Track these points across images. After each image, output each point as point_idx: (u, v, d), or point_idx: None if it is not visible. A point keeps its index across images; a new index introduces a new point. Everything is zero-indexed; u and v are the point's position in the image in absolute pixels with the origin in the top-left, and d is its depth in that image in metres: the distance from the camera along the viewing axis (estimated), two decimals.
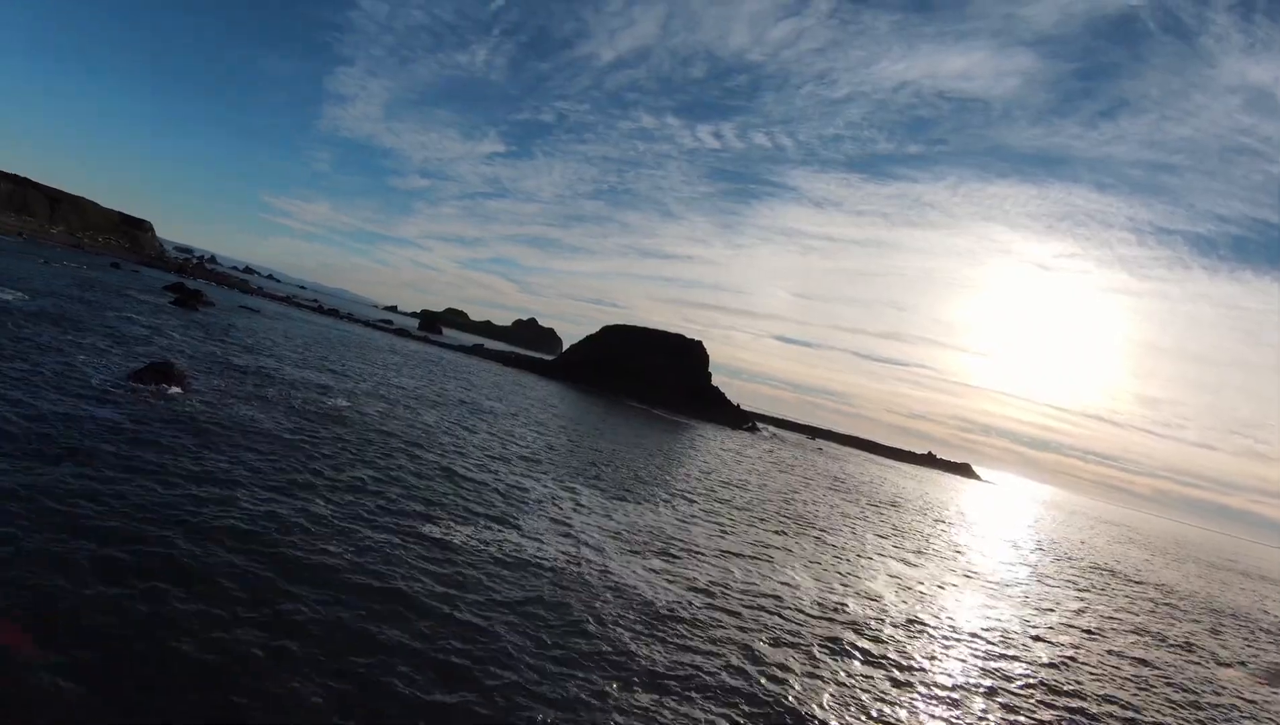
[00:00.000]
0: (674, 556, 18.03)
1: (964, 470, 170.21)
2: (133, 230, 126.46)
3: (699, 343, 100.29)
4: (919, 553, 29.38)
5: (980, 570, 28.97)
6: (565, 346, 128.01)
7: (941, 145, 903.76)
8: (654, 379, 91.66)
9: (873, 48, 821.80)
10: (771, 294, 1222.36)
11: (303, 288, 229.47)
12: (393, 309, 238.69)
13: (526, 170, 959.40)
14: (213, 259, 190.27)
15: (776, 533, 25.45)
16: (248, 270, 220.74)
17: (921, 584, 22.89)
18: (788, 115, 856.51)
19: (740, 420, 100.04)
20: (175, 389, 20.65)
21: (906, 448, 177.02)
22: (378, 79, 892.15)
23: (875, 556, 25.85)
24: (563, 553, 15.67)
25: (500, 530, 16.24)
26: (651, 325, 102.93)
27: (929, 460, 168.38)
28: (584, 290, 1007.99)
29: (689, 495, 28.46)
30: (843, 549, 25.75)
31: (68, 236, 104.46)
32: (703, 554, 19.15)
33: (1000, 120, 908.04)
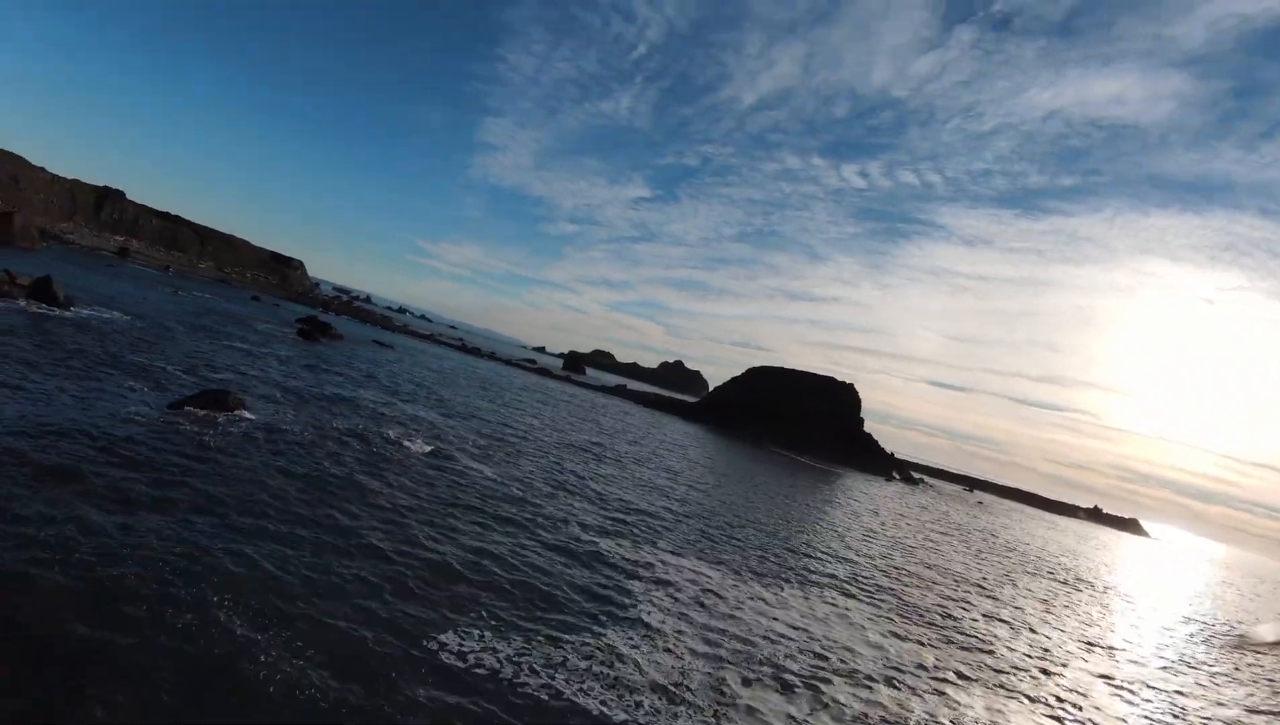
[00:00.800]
0: (835, 703, 11.06)
1: (1131, 526, 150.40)
2: (282, 267, 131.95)
3: (850, 386, 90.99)
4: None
5: None
6: (710, 387, 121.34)
7: (1096, 176, 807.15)
8: (802, 423, 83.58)
9: (1018, 77, 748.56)
10: (922, 336, 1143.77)
11: (453, 327, 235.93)
12: (540, 350, 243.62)
13: (672, 214, 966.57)
14: (368, 299, 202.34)
15: (981, 650, 16.66)
16: (401, 310, 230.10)
17: None
18: (934, 151, 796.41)
19: (893, 468, 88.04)
20: (224, 416, 17.87)
21: (1070, 501, 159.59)
22: (526, 129, 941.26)
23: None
24: (665, 692, 9.55)
25: (570, 647, 10.38)
26: (799, 368, 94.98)
27: (1096, 515, 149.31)
28: (730, 333, 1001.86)
29: (850, 583, 20.06)
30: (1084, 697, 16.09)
31: (215, 271, 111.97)
32: (875, 696, 11.81)
33: (1156, 147, 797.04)
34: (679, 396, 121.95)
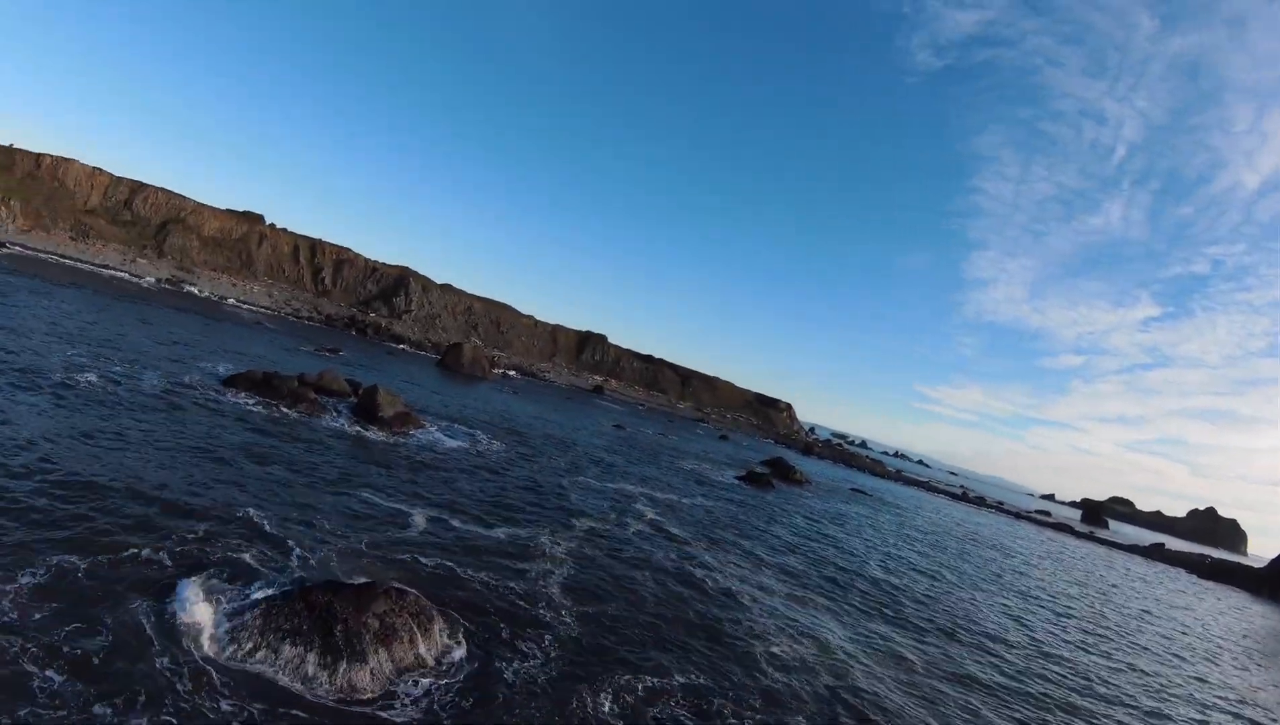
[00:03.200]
0: None
1: None
2: (766, 409, 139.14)
3: None
4: None
5: None
6: (1250, 541, 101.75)
7: None
8: None
9: None
10: None
11: (953, 474, 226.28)
12: (1049, 498, 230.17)
13: (1187, 332, 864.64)
14: (863, 444, 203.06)
15: None
16: (898, 455, 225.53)
17: None
18: None
19: None
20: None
21: None
22: (1015, 258, 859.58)
23: None
24: None
25: None
26: None
27: None
28: (1271, 471, 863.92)
29: None
30: None
31: (694, 411, 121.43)
32: None
33: None
34: (1232, 558, 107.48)
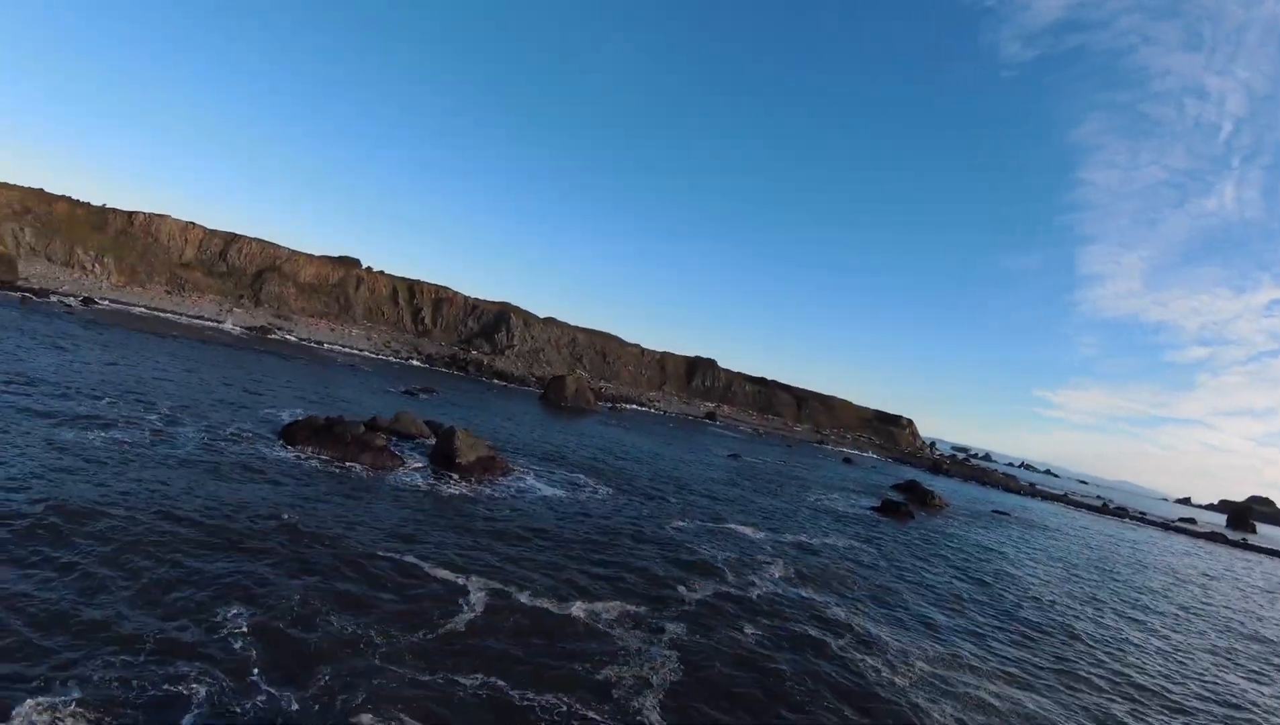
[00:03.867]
0: None
1: None
2: (887, 426, 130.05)
3: None
4: None
5: None
6: None
7: None
8: None
9: None
10: None
11: (1083, 483, 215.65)
12: (1185, 501, 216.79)
13: None
14: (987, 456, 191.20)
15: None
16: (1024, 466, 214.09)
17: None
18: None
19: None
20: None
21: None
22: (1129, 250, 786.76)
23: None
24: None
25: None
26: None
27: None
28: None
29: None
30: None
31: (812, 433, 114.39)
32: None
33: None
34: None
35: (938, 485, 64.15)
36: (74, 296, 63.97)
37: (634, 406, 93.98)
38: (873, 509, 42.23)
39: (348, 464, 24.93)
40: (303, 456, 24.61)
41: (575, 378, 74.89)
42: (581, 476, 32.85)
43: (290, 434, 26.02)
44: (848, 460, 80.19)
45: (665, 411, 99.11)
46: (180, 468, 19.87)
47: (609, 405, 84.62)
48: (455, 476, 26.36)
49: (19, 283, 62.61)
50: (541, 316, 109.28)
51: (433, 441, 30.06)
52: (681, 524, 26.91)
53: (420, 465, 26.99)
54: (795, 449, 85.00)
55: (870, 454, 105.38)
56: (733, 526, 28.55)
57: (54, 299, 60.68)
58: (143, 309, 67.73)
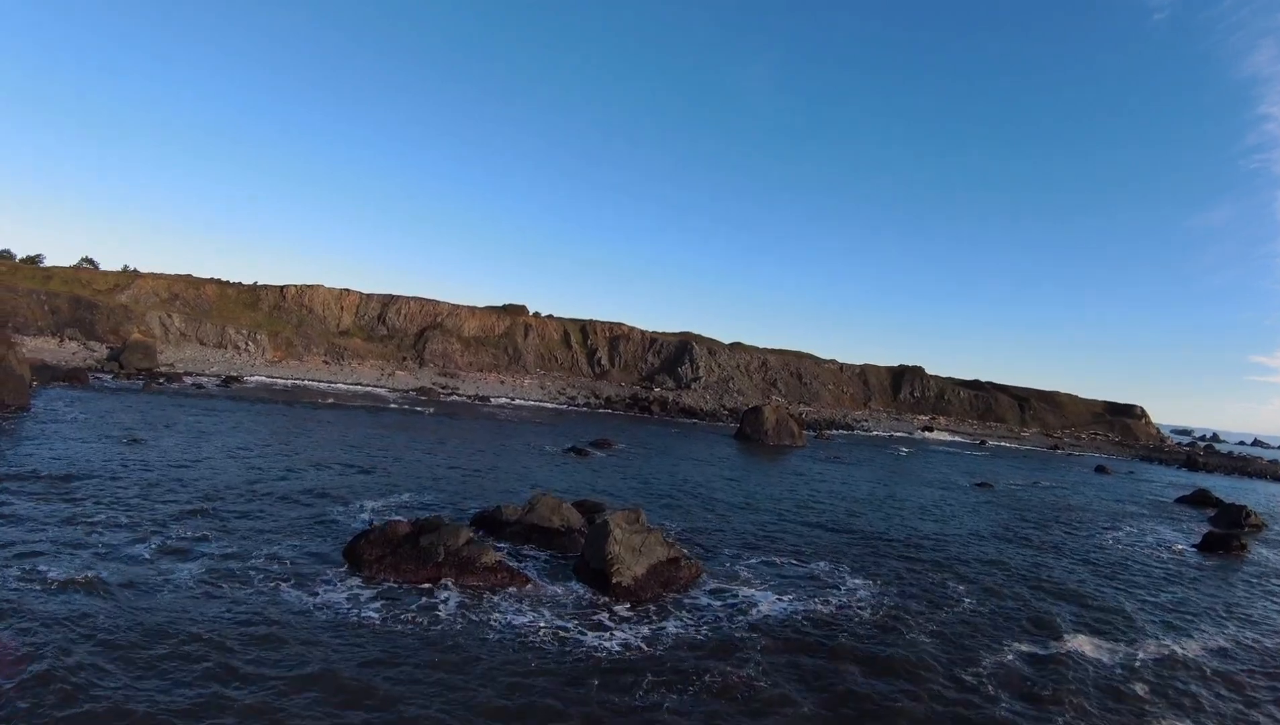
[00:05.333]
0: None
1: None
2: (1120, 419, 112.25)
3: None
4: None
5: None
6: None
7: None
8: None
9: None
10: None
11: None
12: None
13: None
14: (1214, 437, 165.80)
15: None
16: (1256, 443, 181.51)
17: None
18: None
19: None
20: None
21: None
22: None
23: None
24: None
25: None
26: None
27: None
28: None
29: None
30: None
31: (1043, 437, 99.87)
32: None
33: None
34: None
35: (1219, 488, 52.38)
36: (215, 376, 60.52)
37: (839, 431, 79.45)
38: (1194, 547, 29.90)
39: (435, 597, 14.48)
40: (365, 589, 14.55)
41: (774, 407, 61.89)
42: (819, 564, 20.06)
43: (355, 553, 16.14)
44: (1101, 468, 66.31)
45: (874, 432, 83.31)
46: (130, 631, 10.30)
47: (813, 433, 70.64)
48: (611, 603, 14.90)
49: (159, 369, 59.23)
50: (727, 342, 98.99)
51: (583, 539, 18.93)
52: (991, 653, 13.13)
53: (556, 590, 15.81)
54: (1035, 460, 71.46)
55: (1112, 456, 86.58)
56: (1070, 644, 15.55)
57: (188, 381, 56.60)
58: (291, 382, 64.54)
